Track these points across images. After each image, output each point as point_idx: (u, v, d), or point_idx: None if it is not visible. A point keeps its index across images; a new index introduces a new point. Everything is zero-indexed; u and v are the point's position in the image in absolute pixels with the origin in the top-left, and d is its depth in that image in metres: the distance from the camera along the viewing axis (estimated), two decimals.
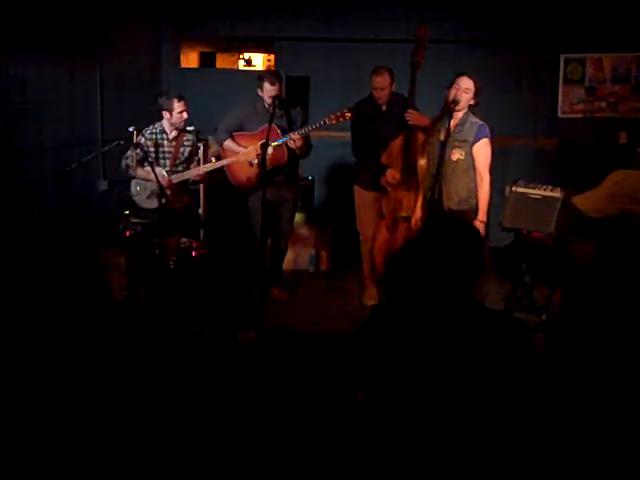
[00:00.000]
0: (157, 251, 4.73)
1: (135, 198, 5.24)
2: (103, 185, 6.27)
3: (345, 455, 1.39)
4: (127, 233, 4.94)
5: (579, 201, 3.04)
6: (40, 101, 5.54)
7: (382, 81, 5.15)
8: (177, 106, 5.13)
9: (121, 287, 4.63)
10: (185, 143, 5.30)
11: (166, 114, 5.17)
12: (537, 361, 1.68)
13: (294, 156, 5.26)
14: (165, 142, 5.25)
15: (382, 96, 5.19)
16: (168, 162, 5.23)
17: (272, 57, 7.75)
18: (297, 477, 1.37)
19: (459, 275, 1.90)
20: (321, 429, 1.41)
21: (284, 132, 5.10)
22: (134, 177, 5.23)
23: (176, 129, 5.23)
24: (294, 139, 5.00)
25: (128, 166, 5.18)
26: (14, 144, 5.26)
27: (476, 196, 4.41)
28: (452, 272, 1.90)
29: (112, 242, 4.93)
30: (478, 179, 4.42)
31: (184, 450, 1.36)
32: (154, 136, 5.22)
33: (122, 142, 4.85)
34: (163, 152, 5.25)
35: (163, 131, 5.22)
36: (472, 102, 4.42)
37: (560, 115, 6.85)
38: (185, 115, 5.17)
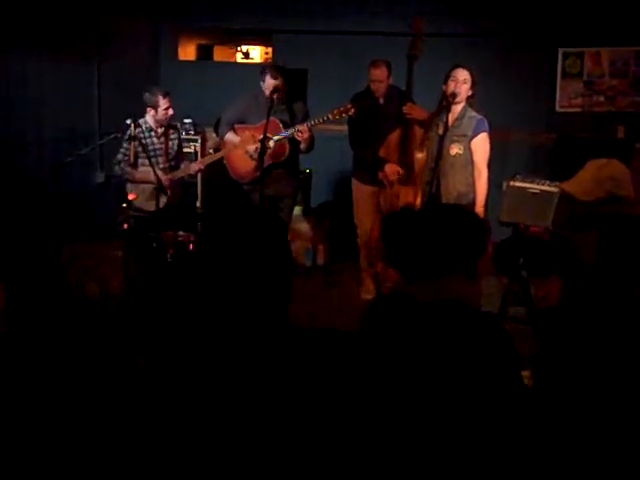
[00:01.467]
0: (154, 244, 4.72)
1: (136, 202, 5.14)
2: (100, 178, 6.27)
3: (344, 455, 1.39)
4: (124, 226, 4.92)
5: (568, 186, 3.10)
6: (38, 94, 5.54)
7: (379, 74, 5.14)
8: (163, 103, 5.00)
9: (118, 281, 4.61)
10: (172, 137, 5.24)
11: (151, 111, 5.05)
12: (514, 367, 1.68)
13: (295, 150, 5.26)
14: (154, 139, 5.15)
15: (379, 89, 5.19)
16: (160, 159, 5.14)
17: (270, 50, 7.73)
18: (297, 477, 1.37)
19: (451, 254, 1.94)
20: (320, 425, 1.41)
21: (286, 126, 5.10)
22: (131, 181, 5.09)
23: (164, 125, 5.15)
24: (301, 130, 4.98)
25: (123, 170, 5.03)
26: (12, 137, 5.26)
27: (474, 190, 4.42)
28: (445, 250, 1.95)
29: (109, 235, 4.92)
30: (476, 173, 4.42)
31: (183, 450, 1.36)
32: (142, 135, 5.11)
33: (119, 135, 4.81)
34: (154, 149, 5.14)
35: (151, 129, 5.09)
36: (470, 93, 4.44)
37: (558, 109, 6.85)
38: (170, 112, 5.04)
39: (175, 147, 5.25)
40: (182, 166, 5.28)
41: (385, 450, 1.46)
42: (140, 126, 5.06)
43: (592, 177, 2.84)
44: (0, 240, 4.75)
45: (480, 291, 2.09)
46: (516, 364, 1.67)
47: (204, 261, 1.60)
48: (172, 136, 5.23)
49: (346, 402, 1.45)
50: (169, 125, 5.22)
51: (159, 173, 4.81)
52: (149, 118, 5.09)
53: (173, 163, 5.23)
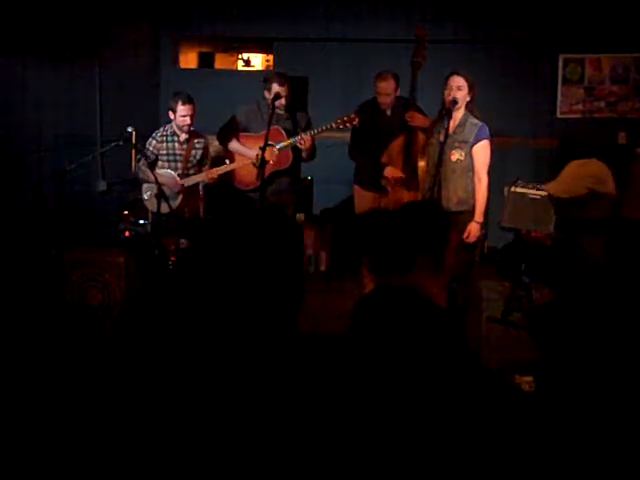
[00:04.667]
0: (156, 251, 4.73)
1: (147, 203, 5.18)
2: (102, 185, 6.26)
3: (341, 456, 1.39)
4: (126, 233, 4.93)
5: (549, 187, 3.11)
6: (39, 101, 5.54)
7: (387, 86, 5.10)
8: (180, 109, 5.06)
9: (120, 287, 4.61)
10: (197, 146, 5.27)
11: (171, 114, 5.14)
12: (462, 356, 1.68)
13: (297, 158, 5.27)
14: (176, 144, 5.20)
15: (386, 101, 5.15)
16: (180, 165, 5.19)
17: (271, 57, 7.74)
18: (296, 478, 1.36)
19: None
20: (320, 430, 1.41)
21: (289, 134, 5.11)
22: (147, 182, 5.15)
23: (185, 132, 5.18)
24: (304, 139, 5.00)
25: (139, 169, 5.13)
26: (13, 144, 5.26)
27: (474, 197, 4.41)
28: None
29: (111, 242, 4.93)
30: (476, 180, 4.42)
31: (182, 452, 1.36)
32: (165, 139, 5.18)
33: (121, 143, 4.83)
34: (174, 154, 5.19)
35: (174, 133, 5.17)
36: (468, 99, 4.42)
37: (559, 115, 6.86)
38: (188, 120, 5.08)
39: (198, 156, 5.28)
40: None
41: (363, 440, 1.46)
42: (166, 131, 5.18)
43: (572, 175, 2.85)
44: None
45: (444, 289, 2.14)
46: (464, 354, 1.67)
47: (210, 266, 1.60)
48: (197, 145, 5.27)
49: (339, 400, 1.45)
50: (195, 133, 5.25)
51: (169, 177, 4.88)
52: (173, 123, 5.17)
53: (192, 171, 5.24)
